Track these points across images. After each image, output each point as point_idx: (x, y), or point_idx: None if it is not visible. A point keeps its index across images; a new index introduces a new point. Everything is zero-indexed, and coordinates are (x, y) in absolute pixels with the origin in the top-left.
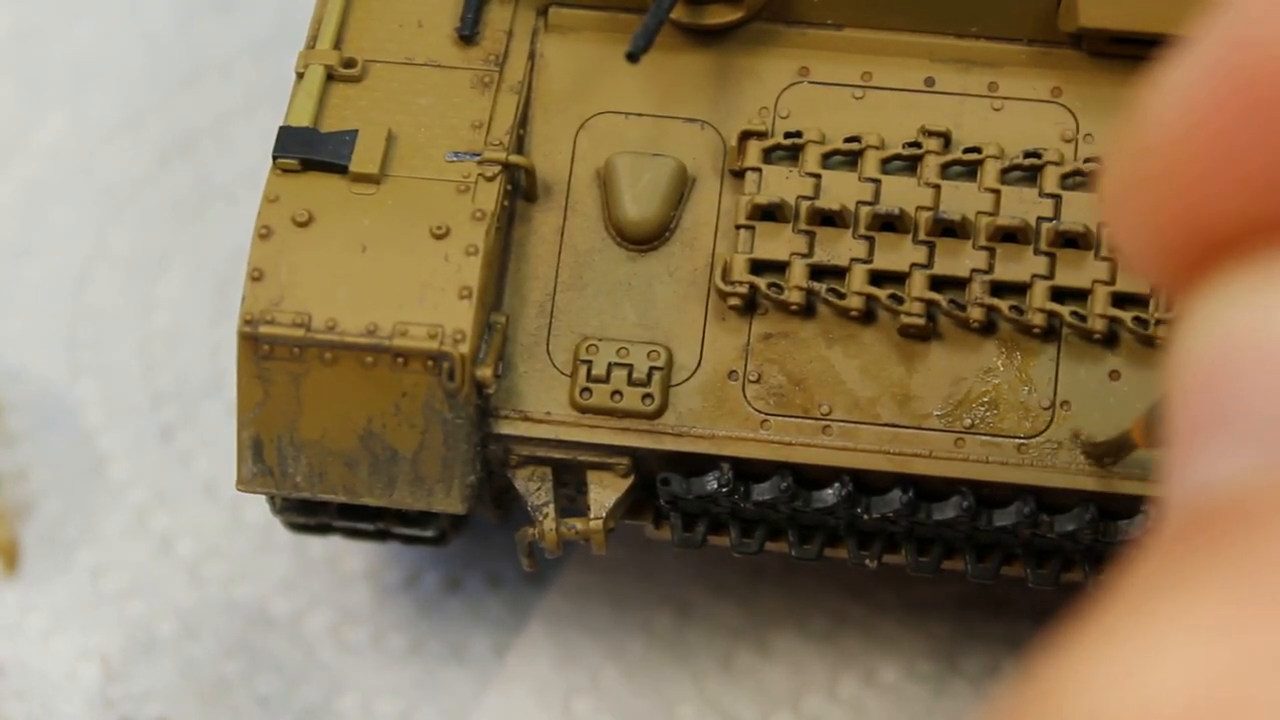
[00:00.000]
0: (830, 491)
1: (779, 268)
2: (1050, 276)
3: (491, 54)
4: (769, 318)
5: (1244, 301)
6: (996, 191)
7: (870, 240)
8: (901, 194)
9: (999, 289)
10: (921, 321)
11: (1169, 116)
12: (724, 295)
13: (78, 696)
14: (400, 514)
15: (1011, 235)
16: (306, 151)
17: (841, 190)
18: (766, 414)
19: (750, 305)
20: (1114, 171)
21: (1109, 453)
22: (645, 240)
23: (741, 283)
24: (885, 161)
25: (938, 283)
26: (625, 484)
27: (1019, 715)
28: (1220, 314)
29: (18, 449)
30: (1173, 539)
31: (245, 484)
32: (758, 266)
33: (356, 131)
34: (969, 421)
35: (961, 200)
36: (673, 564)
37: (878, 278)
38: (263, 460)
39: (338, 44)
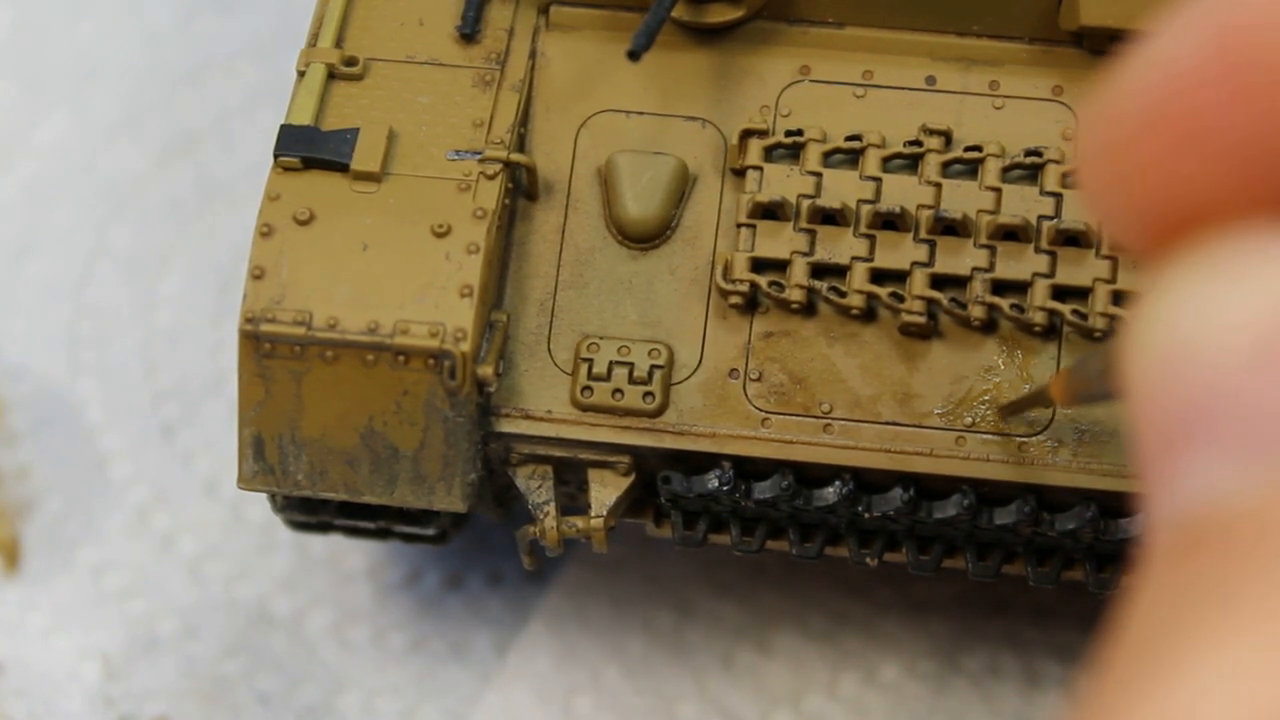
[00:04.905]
0: (831, 490)
1: (780, 266)
2: (1051, 275)
3: (493, 52)
4: (770, 316)
5: (1214, 287)
6: (997, 190)
7: (871, 238)
8: (902, 192)
9: (1000, 287)
10: (922, 320)
11: (1148, 85)
12: (725, 293)
13: (78, 695)
14: (401, 512)
15: (1012, 233)
16: (308, 150)
17: (842, 188)
18: (767, 412)
19: (751, 303)
20: (1090, 133)
21: (1018, 408)
22: (646, 239)
23: (742, 281)
24: (886, 160)
25: (939, 281)
26: (626, 482)
27: None
28: (1189, 299)
29: (19, 447)
30: (1176, 562)
31: (246, 482)
32: (759, 265)
33: (358, 130)
34: (970, 420)
35: (962, 198)
36: (673, 562)
37: (879, 276)
38: (264, 458)
39: (339, 42)
